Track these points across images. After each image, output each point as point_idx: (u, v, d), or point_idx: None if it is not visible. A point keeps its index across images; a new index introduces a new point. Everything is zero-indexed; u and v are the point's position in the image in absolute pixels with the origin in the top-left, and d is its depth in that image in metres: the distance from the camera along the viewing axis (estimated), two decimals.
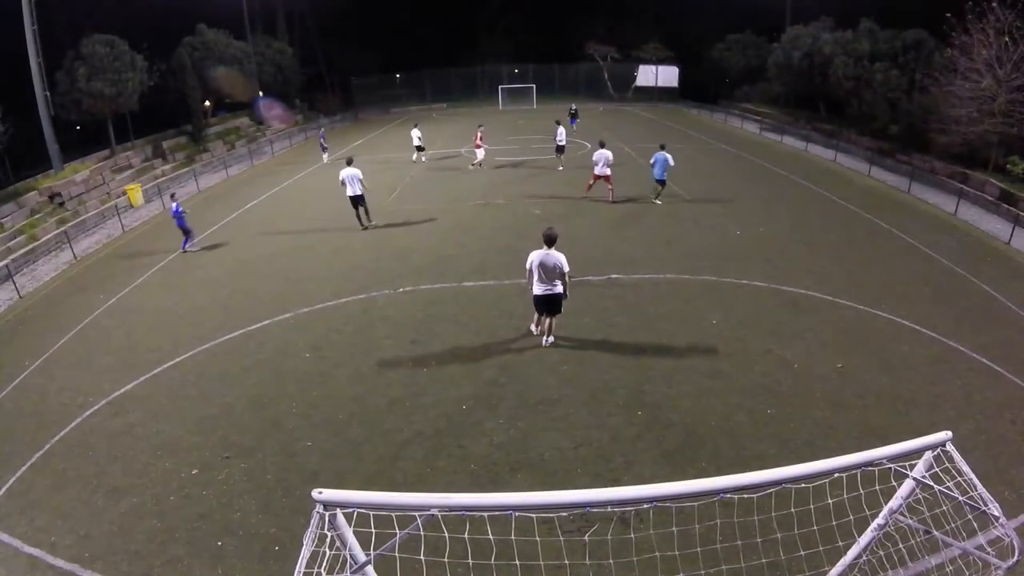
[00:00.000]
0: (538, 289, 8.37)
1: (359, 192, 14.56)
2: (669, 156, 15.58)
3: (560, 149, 21.18)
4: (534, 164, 22.30)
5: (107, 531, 5.95)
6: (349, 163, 14.75)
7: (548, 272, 8.21)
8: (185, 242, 14.51)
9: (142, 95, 23.76)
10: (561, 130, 21.11)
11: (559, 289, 8.33)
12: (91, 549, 5.74)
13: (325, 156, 25.32)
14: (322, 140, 25.89)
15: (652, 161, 15.90)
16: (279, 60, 35.50)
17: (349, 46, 43.95)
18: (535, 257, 8.20)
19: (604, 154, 15.77)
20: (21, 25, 18.79)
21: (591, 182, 16.42)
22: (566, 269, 8.20)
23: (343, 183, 14.53)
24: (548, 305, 8.56)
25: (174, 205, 14.41)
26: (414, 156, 23.79)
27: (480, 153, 21.86)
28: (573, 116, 29.95)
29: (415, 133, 23.65)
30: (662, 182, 16.11)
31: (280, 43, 37.02)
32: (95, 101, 21.77)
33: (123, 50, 22.66)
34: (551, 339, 8.96)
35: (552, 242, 8.17)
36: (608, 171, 15.88)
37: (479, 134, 21.82)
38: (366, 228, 15.05)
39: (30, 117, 19.65)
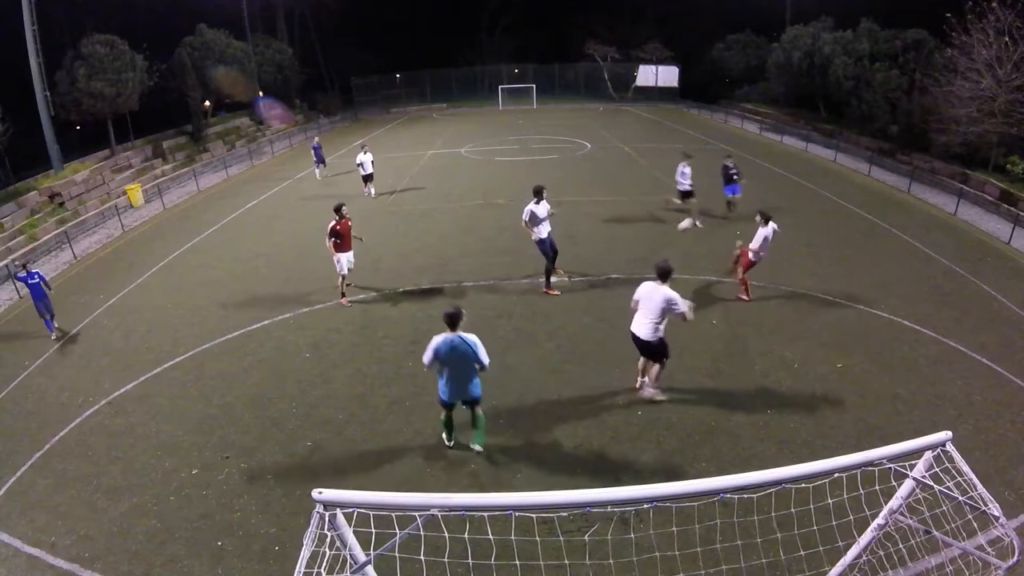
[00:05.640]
0: (632, 325, 7.17)
1: None
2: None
3: (686, 194, 14.45)
4: (534, 164, 22.30)
5: (107, 531, 5.95)
6: None
7: (648, 309, 6.92)
8: (49, 323, 10.55)
9: (142, 95, 23.80)
10: (685, 168, 14.38)
11: (648, 335, 6.93)
12: (91, 549, 5.73)
13: (318, 171, 21.33)
14: (317, 151, 21.01)
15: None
16: (279, 60, 35.53)
17: (349, 46, 43.99)
18: (642, 291, 6.99)
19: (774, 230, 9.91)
20: (21, 25, 18.79)
21: (742, 264, 10.28)
22: (679, 310, 6.74)
23: None
24: (639, 348, 7.29)
25: (25, 275, 10.50)
26: (372, 190, 18.26)
27: None
28: (733, 179, 14.67)
29: (366, 158, 17.73)
30: None
31: (280, 43, 37.05)
32: (95, 101, 21.80)
33: (123, 50, 22.72)
34: (650, 390, 7.46)
35: (666, 276, 6.83)
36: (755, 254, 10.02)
37: None
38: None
39: (30, 117, 19.66)
